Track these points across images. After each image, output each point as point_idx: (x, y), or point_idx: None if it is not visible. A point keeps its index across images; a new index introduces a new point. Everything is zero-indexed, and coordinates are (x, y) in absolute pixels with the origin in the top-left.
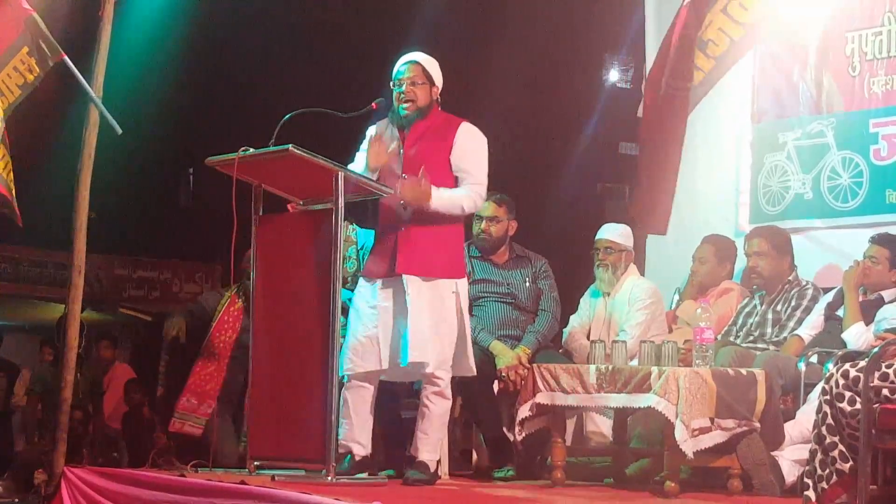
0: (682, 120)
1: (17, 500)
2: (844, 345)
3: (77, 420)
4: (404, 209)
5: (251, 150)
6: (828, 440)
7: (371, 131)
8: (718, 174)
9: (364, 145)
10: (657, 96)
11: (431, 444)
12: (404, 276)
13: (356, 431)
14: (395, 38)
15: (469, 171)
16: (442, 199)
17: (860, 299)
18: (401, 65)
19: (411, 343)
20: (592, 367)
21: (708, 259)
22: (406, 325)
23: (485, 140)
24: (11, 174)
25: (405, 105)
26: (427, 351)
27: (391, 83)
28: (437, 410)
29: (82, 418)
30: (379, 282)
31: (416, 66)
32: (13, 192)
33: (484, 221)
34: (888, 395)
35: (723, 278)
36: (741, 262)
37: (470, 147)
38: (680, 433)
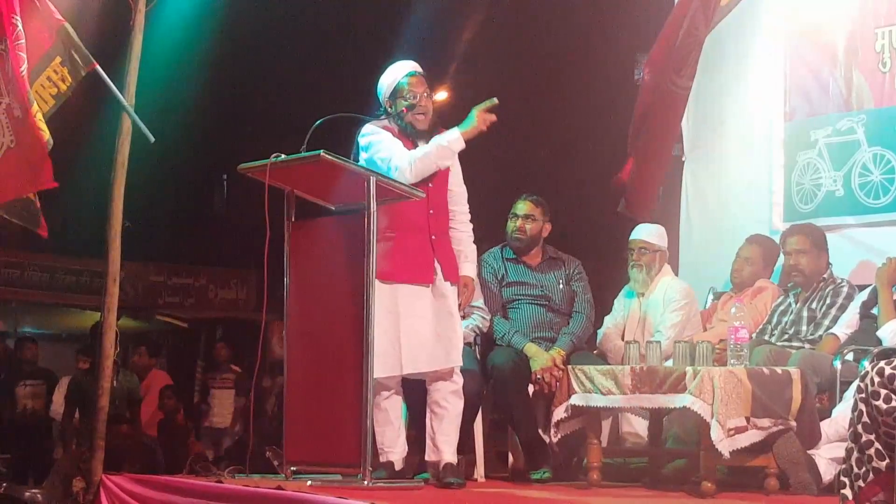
0: (678, 118)
1: None
2: (880, 342)
3: (119, 432)
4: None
5: (283, 156)
6: (864, 438)
7: (377, 128)
8: (752, 173)
9: (385, 140)
10: (657, 86)
11: (454, 445)
12: (445, 283)
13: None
14: (427, 41)
15: (461, 194)
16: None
17: (894, 296)
18: (403, 75)
19: (458, 346)
20: (627, 368)
21: (755, 261)
22: (447, 327)
23: None
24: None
25: (420, 117)
26: (460, 353)
27: (392, 92)
28: (454, 410)
29: (127, 430)
30: (401, 286)
31: (423, 79)
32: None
33: (519, 219)
34: None
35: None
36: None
37: (460, 170)
38: (716, 433)
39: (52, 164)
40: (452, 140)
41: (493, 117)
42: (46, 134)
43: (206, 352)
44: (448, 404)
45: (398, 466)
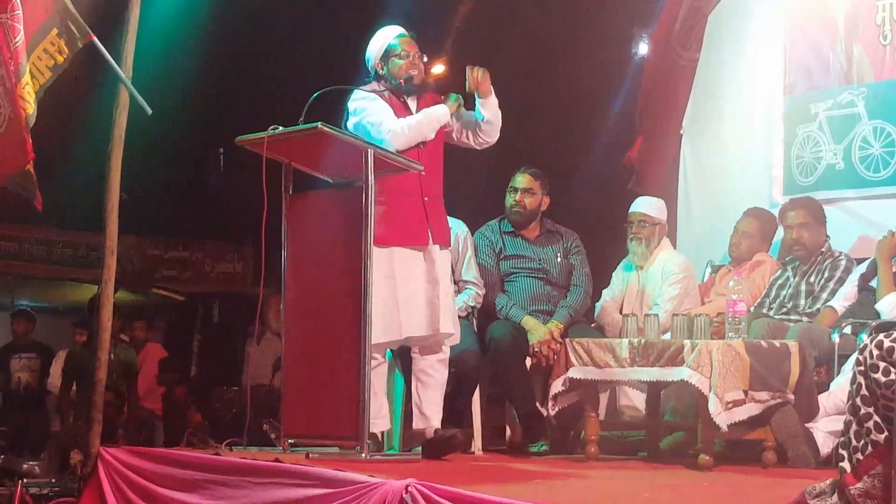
0: (686, 91)
1: (53, 480)
2: (878, 315)
3: (109, 402)
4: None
5: (280, 128)
6: (862, 411)
7: (367, 93)
8: (751, 147)
9: (375, 105)
10: (662, 60)
11: (440, 413)
12: (434, 247)
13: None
14: (423, 14)
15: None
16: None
17: (893, 270)
18: (393, 37)
19: (446, 313)
20: (625, 341)
21: (753, 234)
22: (434, 294)
23: None
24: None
25: (415, 72)
26: (450, 320)
27: (384, 53)
28: (441, 378)
29: (114, 399)
30: (397, 249)
31: (414, 41)
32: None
33: (518, 193)
34: None
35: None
36: (777, 235)
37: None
38: (713, 406)
39: (50, 137)
40: (441, 114)
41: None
42: (31, 108)
43: (201, 326)
44: (435, 372)
45: (380, 437)
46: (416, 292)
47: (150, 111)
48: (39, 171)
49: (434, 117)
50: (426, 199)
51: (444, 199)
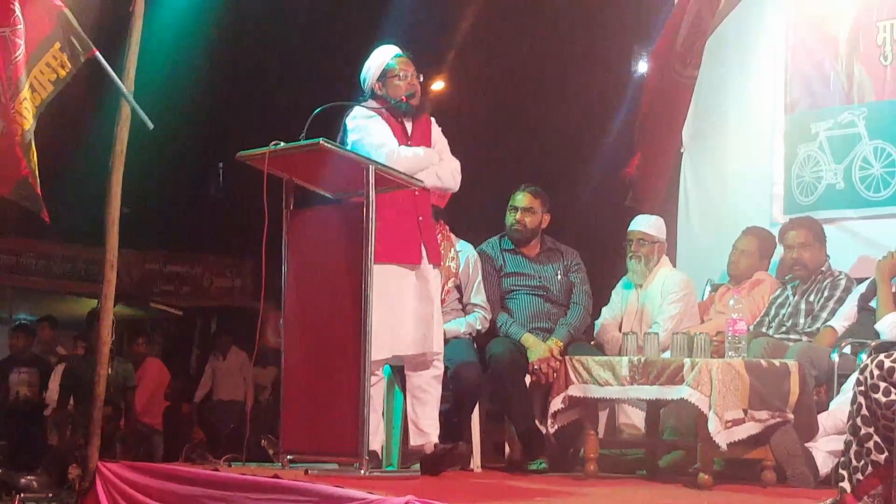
0: (684, 109)
1: (51, 494)
2: (878, 336)
3: (106, 416)
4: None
5: (282, 144)
6: (863, 431)
7: (368, 112)
8: (752, 165)
9: (376, 125)
10: (662, 78)
11: (437, 427)
12: (428, 266)
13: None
14: (423, 30)
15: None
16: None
17: (893, 290)
18: (391, 57)
19: (438, 332)
20: (625, 360)
21: (752, 253)
22: (428, 312)
23: None
24: (36, 170)
25: (413, 91)
26: (441, 339)
27: (381, 73)
28: (436, 394)
29: (111, 414)
30: (391, 267)
31: (411, 61)
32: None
33: (519, 212)
34: None
35: (758, 271)
36: (776, 255)
37: (445, 144)
38: (713, 425)
39: (51, 151)
40: (435, 159)
41: None
42: (28, 123)
43: (200, 340)
44: (431, 388)
45: (380, 454)
46: (409, 310)
47: (151, 126)
48: (42, 184)
49: (429, 160)
50: (420, 218)
51: (446, 217)
